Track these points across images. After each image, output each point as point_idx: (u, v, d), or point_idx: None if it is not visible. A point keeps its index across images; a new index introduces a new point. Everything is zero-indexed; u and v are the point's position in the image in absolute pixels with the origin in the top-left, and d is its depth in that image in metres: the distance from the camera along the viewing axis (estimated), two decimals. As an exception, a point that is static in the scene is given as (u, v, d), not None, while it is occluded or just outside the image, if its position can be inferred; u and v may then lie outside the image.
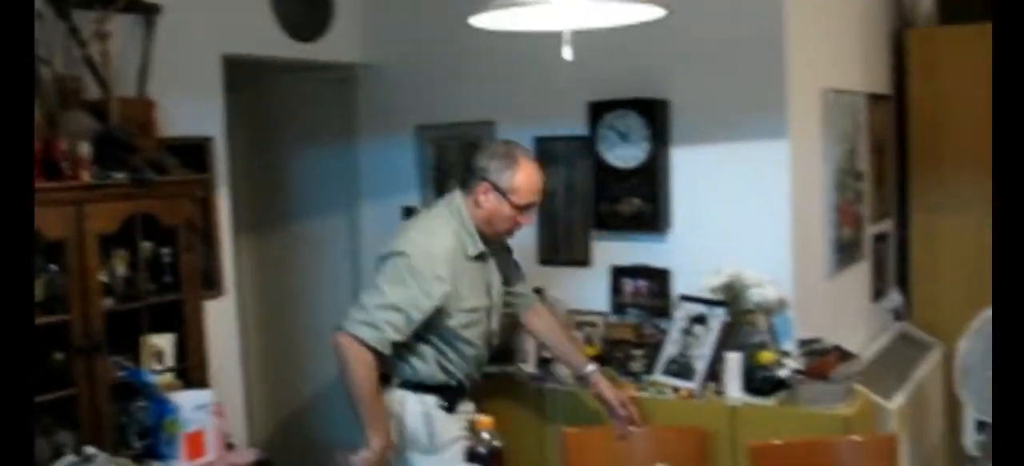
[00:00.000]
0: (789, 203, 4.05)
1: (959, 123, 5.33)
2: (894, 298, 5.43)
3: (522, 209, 3.38)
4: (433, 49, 4.80)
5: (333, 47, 4.86)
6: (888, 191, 5.44)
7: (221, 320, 4.28)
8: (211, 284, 4.25)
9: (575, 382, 3.98)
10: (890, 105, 5.46)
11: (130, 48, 3.91)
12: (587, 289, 4.45)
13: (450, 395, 3.45)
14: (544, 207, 4.02)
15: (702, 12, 4.06)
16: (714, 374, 3.94)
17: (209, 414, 3.66)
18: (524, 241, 4.04)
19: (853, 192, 4.83)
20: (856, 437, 3.49)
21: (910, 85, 5.47)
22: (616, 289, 4.42)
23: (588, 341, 4.32)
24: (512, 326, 3.90)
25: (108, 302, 3.52)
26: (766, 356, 3.86)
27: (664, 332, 4.17)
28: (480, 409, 3.46)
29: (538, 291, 4.06)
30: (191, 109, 4.17)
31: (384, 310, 3.23)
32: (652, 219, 4.27)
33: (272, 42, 4.56)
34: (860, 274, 5.01)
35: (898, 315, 5.43)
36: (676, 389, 3.96)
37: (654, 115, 4.20)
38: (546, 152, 4.39)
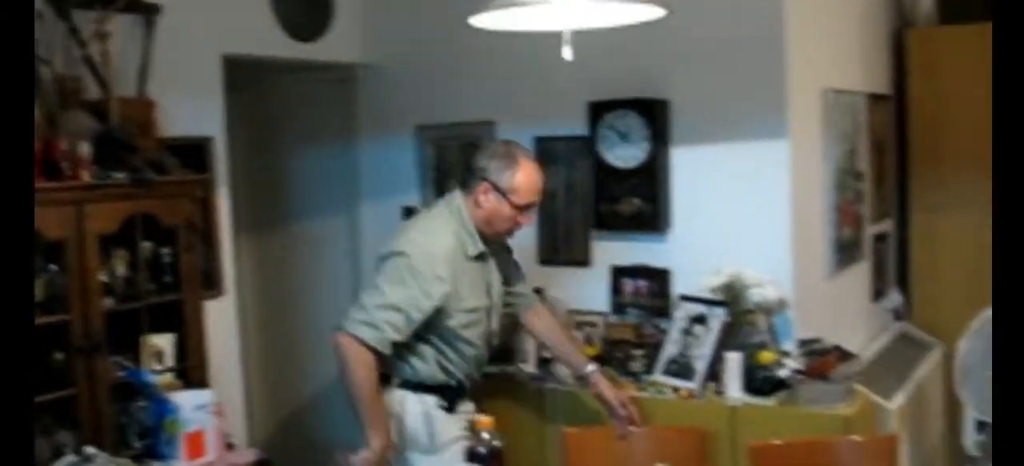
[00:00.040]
0: (789, 203, 4.05)
1: (959, 123, 5.33)
2: (894, 298, 5.43)
3: (522, 209, 3.38)
4: (433, 49, 4.80)
5: (333, 47, 4.86)
6: (888, 191, 5.44)
7: (221, 320, 4.28)
8: (211, 284, 4.25)
9: (575, 382, 3.98)
10: (890, 105, 5.46)
11: (130, 48, 3.91)
12: (587, 289, 4.45)
13: (450, 395, 3.45)
14: (544, 207, 4.02)
15: (702, 12, 4.06)
16: (714, 374, 3.94)
17: (209, 414, 3.66)
18: (524, 241, 4.04)
19: (853, 192, 4.83)
20: (856, 437, 3.49)
21: (910, 85, 5.47)
22: (616, 289, 4.42)
23: (588, 341, 4.32)
24: (512, 326, 3.91)
25: (108, 302, 3.52)
26: (766, 356, 3.86)
27: (664, 332, 4.17)
28: (480, 409, 3.46)
29: (538, 291, 4.06)
30: (191, 109, 4.17)
31: (384, 310, 3.23)
32: (652, 219, 4.27)
33: (272, 42, 4.56)
34: (860, 274, 5.01)
35: (898, 315, 5.43)
36: (676, 389, 3.96)
37: (654, 115, 4.20)
38: (546, 152, 4.39)
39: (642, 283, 4.37)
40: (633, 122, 4.24)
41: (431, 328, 3.35)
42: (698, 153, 4.20)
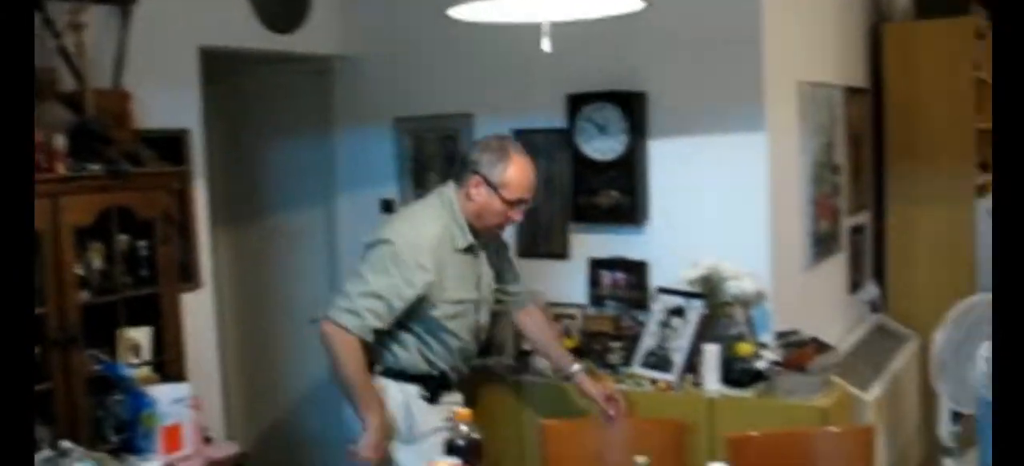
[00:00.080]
0: (766, 196, 4.06)
1: (935, 116, 5.37)
2: (870, 290, 5.46)
3: (512, 204, 3.38)
4: (411, 41, 4.79)
5: (310, 39, 4.83)
6: (865, 184, 5.47)
7: (198, 313, 4.26)
8: (188, 277, 4.23)
9: (554, 375, 3.98)
10: (867, 98, 5.49)
11: (105, 39, 3.88)
12: (565, 282, 4.45)
13: (432, 385, 3.46)
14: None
15: (680, 5, 4.06)
16: (692, 366, 3.95)
17: (186, 407, 3.64)
18: (503, 234, 4.03)
19: (830, 185, 4.85)
20: (833, 428, 3.51)
21: (886, 78, 5.50)
22: (594, 281, 4.43)
23: (566, 334, 4.32)
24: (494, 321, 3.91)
25: (84, 295, 3.49)
26: (744, 348, 3.88)
27: (642, 324, 4.18)
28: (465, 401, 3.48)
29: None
30: (167, 101, 4.14)
31: (366, 298, 3.26)
32: (630, 211, 4.28)
33: (249, 34, 4.54)
34: (837, 266, 5.04)
35: (874, 307, 5.46)
36: (654, 381, 3.97)
37: (632, 108, 4.21)
38: (524, 145, 4.33)
39: (620, 275, 4.37)
40: (611, 115, 4.25)
41: (414, 317, 3.36)
42: (676, 146, 4.21)
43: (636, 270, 4.32)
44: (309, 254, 5.28)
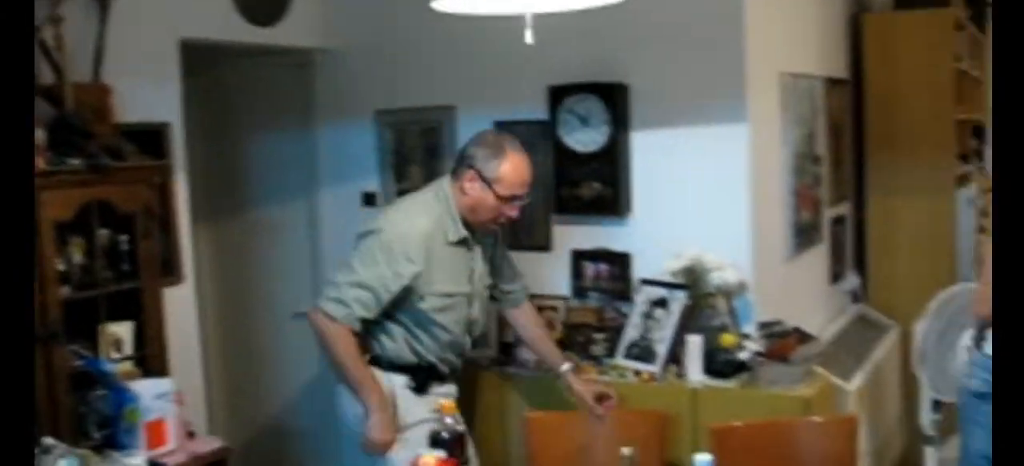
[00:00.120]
0: (748, 187, 4.07)
1: (915, 107, 5.40)
2: (851, 280, 5.49)
3: (506, 200, 3.39)
4: (393, 33, 4.78)
5: (291, 32, 4.81)
6: (845, 174, 5.49)
7: (180, 308, 4.23)
8: (170, 271, 4.20)
9: (545, 373, 3.99)
10: (847, 89, 5.51)
11: (84, 32, 3.84)
12: (548, 273, 4.45)
13: (420, 377, 3.46)
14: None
15: (662, -4, 4.07)
16: (675, 357, 3.96)
17: (169, 402, 3.62)
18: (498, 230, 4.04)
19: (811, 176, 4.87)
20: (816, 418, 3.53)
21: (867, 69, 5.53)
22: (577, 273, 4.43)
23: (549, 325, 4.32)
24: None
25: (65, 290, 3.46)
26: (727, 339, 3.89)
27: (625, 316, 4.18)
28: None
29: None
30: (147, 94, 4.11)
31: (354, 288, 3.30)
32: (612, 203, 4.28)
33: (229, 27, 4.51)
34: (818, 257, 5.06)
35: (855, 297, 5.49)
36: (637, 372, 3.98)
37: (614, 99, 4.21)
38: (507, 137, 4.38)
39: (603, 267, 4.38)
40: (593, 106, 4.25)
41: (402, 308, 3.38)
42: (658, 137, 4.21)
43: (619, 261, 4.32)
44: (291, 248, 5.26)
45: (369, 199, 4.93)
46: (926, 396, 4.43)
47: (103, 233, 3.64)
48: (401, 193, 4.67)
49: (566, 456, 3.60)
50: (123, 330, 3.69)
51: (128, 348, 3.70)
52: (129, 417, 3.51)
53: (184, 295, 4.32)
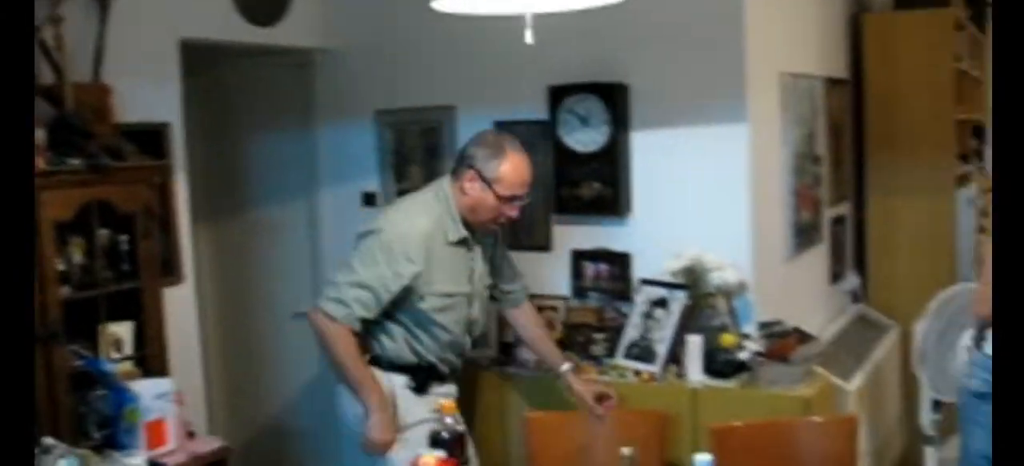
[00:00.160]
0: (748, 187, 4.07)
1: (914, 107, 5.40)
2: (851, 280, 5.49)
3: (506, 200, 3.39)
4: (393, 33, 4.78)
5: (291, 32, 4.81)
6: (845, 174, 5.49)
7: (180, 307, 4.23)
8: (170, 271, 4.20)
9: (545, 373, 3.99)
10: (847, 89, 5.51)
11: (84, 32, 3.84)
12: (548, 274, 4.45)
13: (420, 376, 3.47)
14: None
15: (662, -3, 4.07)
16: (675, 357, 3.96)
17: (169, 402, 3.62)
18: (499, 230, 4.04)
19: (811, 176, 4.87)
20: (816, 418, 3.53)
21: (866, 69, 5.52)
22: (577, 273, 4.43)
23: (549, 325, 4.32)
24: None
25: (65, 290, 3.46)
26: (727, 339, 3.89)
27: (625, 316, 4.18)
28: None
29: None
30: (148, 94, 4.11)
31: (353, 288, 3.31)
32: (612, 203, 4.28)
33: (229, 27, 4.51)
34: (818, 257, 5.06)
35: (855, 297, 5.49)
36: (637, 372, 3.98)
37: (614, 99, 4.21)
38: (507, 137, 4.38)
39: (603, 267, 4.38)
40: (593, 106, 4.25)
41: (402, 308, 3.39)
42: (658, 137, 4.21)
43: (619, 261, 4.32)
44: (291, 248, 5.26)
45: (369, 199, 4.93)
46: (926, 396, 4.43)
47: (103, 233, 3.64)
48: (401, 193, 4.67)
49: (566, 456, 3.60)
50: (123, 330, 3.69)
51: (128, 348, 3.70)
52: (129, 417, 3.51)
53: (184, 295, 4.32)
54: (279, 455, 5.42)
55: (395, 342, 3.45)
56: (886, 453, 4.93)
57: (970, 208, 5.47)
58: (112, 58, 3.91)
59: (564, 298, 4.41)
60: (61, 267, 3.47)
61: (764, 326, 4.07)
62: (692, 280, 4.02)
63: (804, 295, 4.82)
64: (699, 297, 4.02)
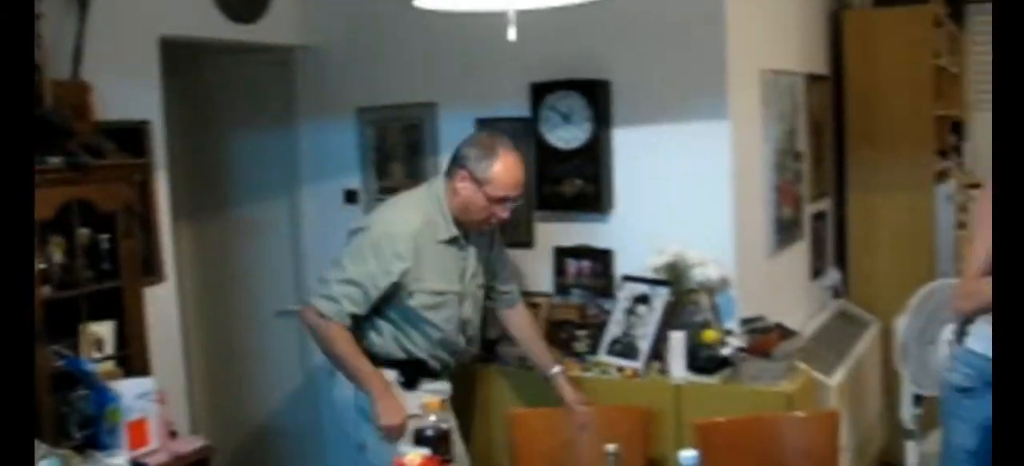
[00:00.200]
0: (730, 183, 4.08)
1: (894, 103, 5.42)
2: (832, 276, 5.50)
3: (497, 201, 3.40)
4: (374, 30, 4.77)
5: (272, 29, 4.79)
6: (826, 170, 5.51)
7: (162, 306, 4.22)
8: (151, 270, 4.18)
9: (519, 367, 4.00)
10: (828, 85, 5.52)
11: (64, 29, 3.82)
12: (530, 270, 4.45)
13: (410, 372, 3.48)
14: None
15: (643, -7, 4.08)
16: (658, 353, 3.96)
17: (151, 402, 3.61)
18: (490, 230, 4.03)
19: (792, 172, 4.88)
20: (798, 413, 3.55)
21: (847, 66, 5.54)
22: (559, 270, 4.43)
23: (531, 322, 4.32)
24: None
25: (45, 290, 3.44)
26: (709, 335, 3.90)
27: (608, 312, 4.18)
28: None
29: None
30: (127, 92, 4.09)
31: (343, 284, 3.35)
32: (594, 199, 4.28)
33: (210, 24, 4.49)
34: (799, 253, 5.08)
35: (836, 292, 5.51)
36: (620, 369, 3.98)
37: (596, 96, 4.21)
38: (489, 134, 4.37)
39: (585, 264, 4.38)
40: (575, 103, 4.25)
41: (391, 305, 3.43)
42: (640, 134, 4.22)
43: (601, 258, 4.33)
44: (273, 246, 5.25)
45: (351, 196, 4.92)
46: (907, 391, 4.46)
47: (83, 232, 3.63)
48: (383, 191, 4.68)
49: (550, 452, 3.61)
50: (104, 330, 3.68)
51: (109, 348, 3.68)
52: (111, 417, 3.50)
53: (165, 294, 4.30)
54: (262, 453, 5.40)
55: (382, 337, 3.48)
56: (867, 448, 4.95)
57: (949, 204, 5.50)
58: (92, 55, 3.88)
59: (547, 295, 4.41)
60: (41, 266, 3.45)
61: (746, 322, 4.09)
62: (674, 276, 4.03)
63: (786, 291, 4.83)
64: (681, 293, 4.02)
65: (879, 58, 5.43)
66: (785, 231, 4.76)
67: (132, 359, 3.74)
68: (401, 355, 3.49)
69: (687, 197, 4.12)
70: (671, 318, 3.99)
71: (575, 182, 4.30)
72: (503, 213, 3.46)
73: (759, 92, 4.42)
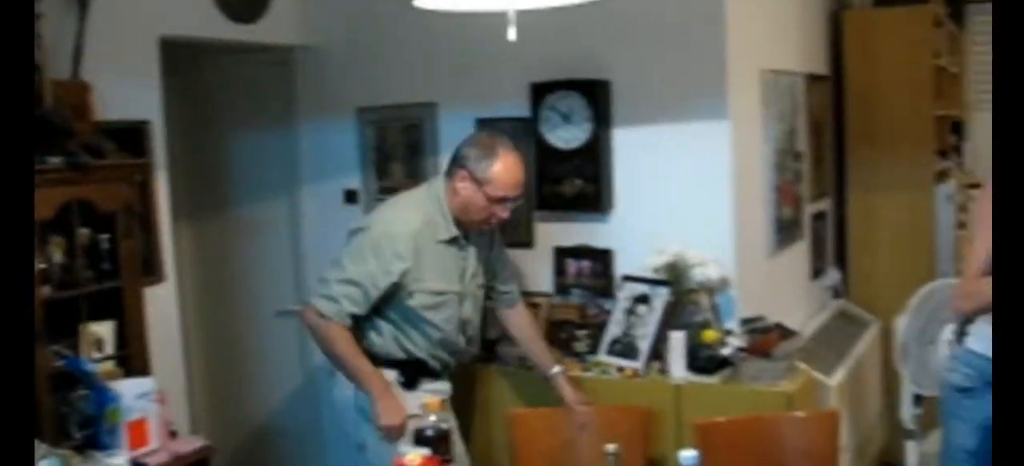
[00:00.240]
0: (730, 183, 4.08)
1: (894, 103, 5.42)
2: (832, 276, 5.50)
3: (497, 201, 3.40)
4: (374, 30, 4.76)
5: (272, 29, 4.79)
6: (826, 170, 5.51)
7: (162, 306, 4.22)
8: (151, 270, 4.18)
9: (520, 366, 4.00)
10: (828, 86, 5.52)
11: (64, 29, 3.82)
12: (531, 270, 4.45)
13: (409, 372, 3.48)
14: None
15: (643, -7, 4.07)
16: (658, 353, 3.96)
17: (151, 402, 3.61)
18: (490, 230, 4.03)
19: (792, 172, 4.88)
20: (798, 413, 3.55)
21: (847, 66, 5.54)
22: (559, 270, 4.43)
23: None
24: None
25: (45, 290, 3.44)
26: (709, 335, 3.90)
27: (608, 312, 4.18)
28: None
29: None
30: (127, 92, 4.09)
31: (343, 285, 3.35)
32: (594, 200, 4.28)
33: (210, 24, 4.49)
34: (799, 253, 5.08)
35: (836, 292, 5.51)
36: (620, 369, 3.98)
37: (596, 96, 4.21)
38: (489, 134, 4.37)
39: (585, 264, 4.38)
40: (575, 103, 4.25)
41: (391, 305, 3.43)
42: (640, 134, 4.22)
43: (601, 258, 4.33)
44: (273, 246, 5.25)
45: (351, 197, 4.92)
46: (907, 391, 4.46)
47: (83, 232, 3.63)
48: (383, 191, 4.68)
49: (550, 452, 3.61)
50: (104, 330, 3.67)
51: (109, 348, 3.68)
52: (111, 417, 3.49)
53: (165, 294, 4.30)
54: (262, 454, 5.40)
55: (382, 337, 3.48)
56: (867, 447, 4.95)
57: (949, 204, 5.50)
58: (92, 55, 3.88)
59: (547, 295, 4.41)
60: (42, 266, 3.45)
61: (746, 322, 4.09)
62: (674, 276, 4.03)
63: (786, 291, 4.83)
64: (681, 293, 4.02)
65: (879, 58, 5.43)
66: (785, 231, 4.76)
67: (132, 359, 3.74)
68: (401, 355, 3.49)
69: (687, 197, 4.12)
70: (671, 318, 3.99)
71: (575, 182, 4.30)
72: (503, 213, 3.46)
73: (759, 92, 4.42)
